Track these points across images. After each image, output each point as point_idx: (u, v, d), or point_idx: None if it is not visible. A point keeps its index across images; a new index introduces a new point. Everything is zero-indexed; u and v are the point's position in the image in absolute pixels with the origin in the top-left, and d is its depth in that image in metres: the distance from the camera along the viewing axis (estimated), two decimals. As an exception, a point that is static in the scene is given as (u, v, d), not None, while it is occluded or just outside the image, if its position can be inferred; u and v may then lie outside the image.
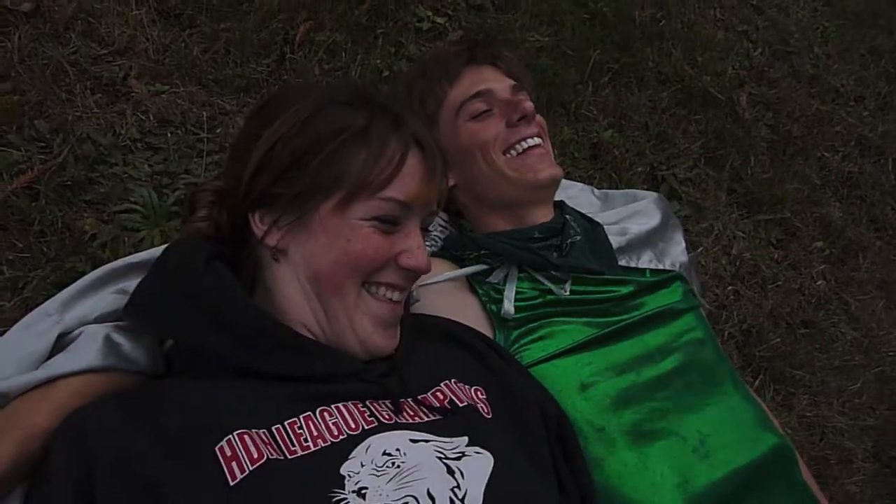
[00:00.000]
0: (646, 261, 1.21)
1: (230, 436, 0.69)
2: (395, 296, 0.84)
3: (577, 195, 1.45)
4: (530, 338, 1.05)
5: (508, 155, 1.14)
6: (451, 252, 1.16)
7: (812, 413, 1.64)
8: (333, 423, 0.73)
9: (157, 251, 0.91)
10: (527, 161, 1.13)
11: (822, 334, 1.80)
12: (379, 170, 0.80)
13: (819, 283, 1.90)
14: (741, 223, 1.87)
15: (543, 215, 1.17)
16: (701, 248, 1.70)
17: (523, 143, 1.14)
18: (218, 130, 1.39)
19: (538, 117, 1.19)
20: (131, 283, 0.89)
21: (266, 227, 0.81)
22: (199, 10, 1.56)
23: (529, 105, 1.14)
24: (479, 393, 0.87)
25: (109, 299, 0.88)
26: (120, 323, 0.84)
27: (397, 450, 0.70)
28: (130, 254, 1.12)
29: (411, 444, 0.72)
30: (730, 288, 1.74)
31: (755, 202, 1.93)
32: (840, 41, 2.54)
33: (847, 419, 1.67)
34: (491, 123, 1.15)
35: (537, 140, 1.15)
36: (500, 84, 1.18)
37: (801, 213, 1.97)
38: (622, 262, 1.19)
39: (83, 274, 1.07)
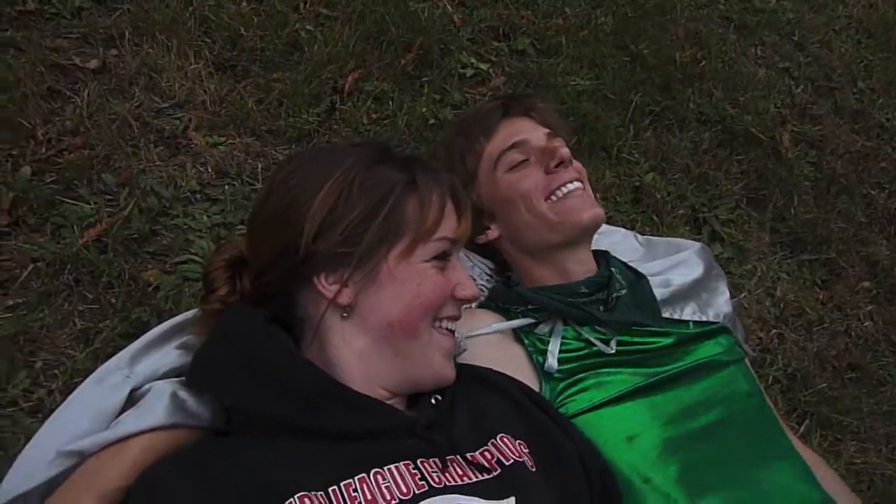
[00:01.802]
0: (689, 313, 1.23)
1: (292, 498, 0.72)
2: (453, 326, 0.92)
3: (621, 241, 1.47)
4: (575, 389, 1.07)
5: (550, 201, 1.17)
6: (497, 303, 1.18)
7: (860, 460, 1.61)
8: (386, 487, 0.76)
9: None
10: (568, 203, 1.16)
11: (870, 378, 1.77)
12: (431, 215, 0.88)
13: (866, 324, 1.88)
14: (785, 264, 1.86)
15: (585, 263, 1.19)
16: (743, 294, 1.69)
17: (563, 188, 1.17)
18: (271, 180, 1.45)
19: (576, 163, 1.22)
20: (192, 338, 0.94)
21: (336, 286, 0.85)
22: (252, 62, 1.63)
23: (565, 151, 1.18)
24: (523, 447, 0.89)
25: (174, 355, 0.93)
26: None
27: None
28: (191, 304, 1.20)
29: None
30: (774, 331, 1.73)
31: (799, 242, 1.92)
32: (884, 74, 2.51)
33: (896, 466, 1.64)
34: (529, 172, 1.19)
35: (577, 184, 1.18)
36: (535, 133, 1.22)
37: (846, 253, 1.95)
38: (666, 314, 1.20)
39: (148, 324, 1.15)
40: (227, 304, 0.90)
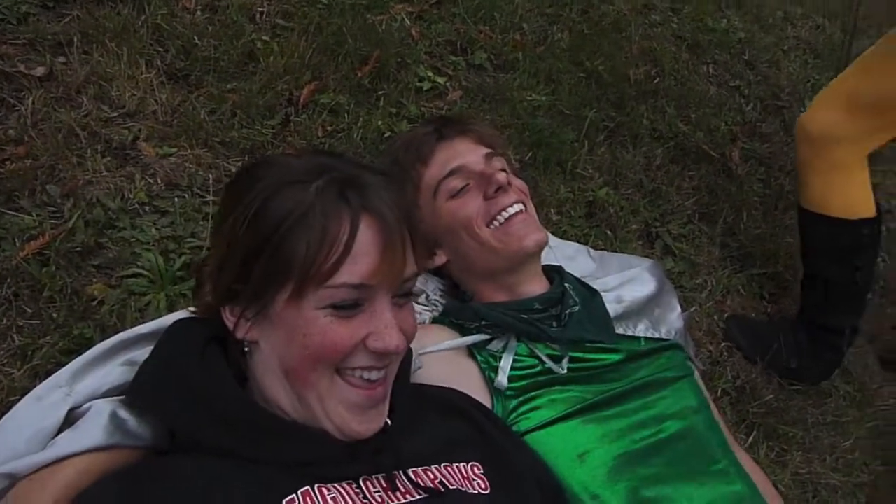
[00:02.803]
0: (642, 329, 1.24)
1: None
2: (373, 375, 0.80)
3: (574, 255, 1.48)
4: (527, 407, 1.08)
5: (492, 227, 1.16)
6: (451, 319, 1.18)
7: (805, 470, 1.65)
8: (332, 499, 0.75)
9: (165, 321, 0.94)
10: (510, 230, 1.15)
11: (815, 389, 1.82)
12: (323, 256, 0.75)
13: (812, 337, 1.93)
14: (734, 278, 1.91)
15: (536, 282, 1.20)
16: (694, 308, 1.73)
17: (504, 213, 1.16)
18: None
19: (517, 181, 1.22)
20: (140, 354, 0.92)
21: (235, 319, 0.81)
22: (206, 72, 1.61)
23: (502, 176, 1.16)
24: (475, 469, 0.89)
25: (118, 372, 0.91)
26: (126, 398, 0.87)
27: None
28: (137, 319, 1.17)
29: None
30: (723, 345, 1.76)
31: (748, 257, 1.96)
32: (830, 94, 2.59)
33: (840, 476, 1.68)
34: (469, 199, 1.18)
35: (518, 207, 1.17)
36: (472, 156, 1.20)
37: (793, 267, 2.01)
38: (619, 331, 1.22)
39: (91, 340, 1.12)
40: (213, 306, 0.86)
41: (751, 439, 1.64)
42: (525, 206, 1.19)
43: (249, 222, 0.77)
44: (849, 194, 1.61)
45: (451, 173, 1.19)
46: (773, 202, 2.11)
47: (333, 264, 0.75)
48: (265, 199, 0.77)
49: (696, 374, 1.29)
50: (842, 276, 1.68)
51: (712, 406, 1.24)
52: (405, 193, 0.99)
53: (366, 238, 0.77)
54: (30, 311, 1.14)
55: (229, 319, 0.82)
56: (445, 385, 1.05)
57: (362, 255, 0.76)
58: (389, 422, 0.85)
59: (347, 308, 0.77)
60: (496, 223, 1.16)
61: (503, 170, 1.21)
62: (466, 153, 1.20)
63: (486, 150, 1.21)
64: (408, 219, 0.81)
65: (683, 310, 1.44)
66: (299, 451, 0.79)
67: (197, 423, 0.80)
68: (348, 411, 0.80)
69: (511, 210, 1.16)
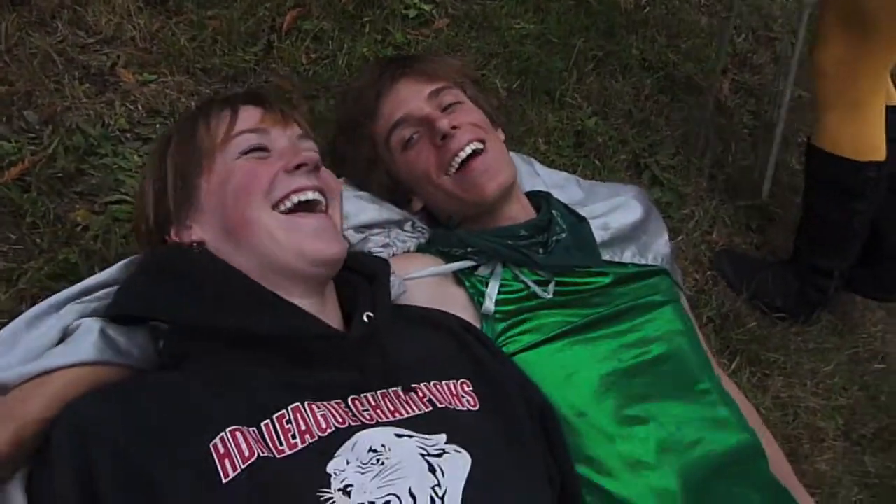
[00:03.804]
0: (629, 256, 1.25)
1: (223, 433, 0.72)
2: (308, 195, 0.88)
3: (563, 184, 1.47)
4: (516, 330, 1.09)
5: (450, 174, 1.13)
6: (437, 248, 1.18)
7: (786, 394, 1.69)
8: (322, 416, 0.76)
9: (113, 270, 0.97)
10: (469, 178, 1.12)
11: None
12: (218, 127, 0.91)
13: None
14: (721, 209, 1.91)
15: (518, 211, 1.18)
16: (681, 237, 1.74)
17: (457, 157, 1.12)
18: (206, 120, 1.40)
19: (470, 115, 1.16)
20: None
21: (178, 231, 0.89)
22: (185, -2, 1.56)
23: (443, 123, 1.11)
24: (465, 386, 0.90)
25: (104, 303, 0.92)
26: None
27: (382, 445, 0.74)
28: (122, 244, 1.17)
29: (396, 439, 0.75)
30: (709, 273, 1.78)
31: (735, 188, 1.97)
32: (823, 26, 2.56)
33: (819, 399, 1.73)
34: (421, 148, 1.15)
35: (472, 147, 1.13)
36: (416, 100, 1.15)
37: (780, 199, 2.02)
38: (606, 257, 1.22)
39: (76, 266, 1.12)
40: None
41: (734, 365, 1.68)
42: (483, 141, 1.14)
43: (159, 152, 0.94)
44: (862, 134, 1.60)
45: (396, 125, 1.15)
46: (762, 134, 2.10)
47: (228, 124, 0.91)
48: (172, 130, 0.98)
49: (683, 300, 1.30)
50: (839, 218, 1.70)
51: (697, 331, 1.26)
52: None
53: (247, 109, 0.94)
54: (13, 236, 1.13)
55: (176, 237, 0.89)
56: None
57: (248, 116, 0.92)
58: (371, 314, 0.86)
59: (257, 150, 0.90)
60: (452, 170, 1.13)
61: (451, 104, 1.16)
62: (410, 98, 1.16)
63: (431, 89, 1.16)
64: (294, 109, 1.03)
65: (670, 239, 1.45)
66: (286, 322, 0.82)
67: (179, 303, 0.83)
68: (302, 236, 0.86)
69: (464, 153, 1.12)
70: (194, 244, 0.88)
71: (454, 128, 1.13)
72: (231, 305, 0.82)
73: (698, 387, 1.11)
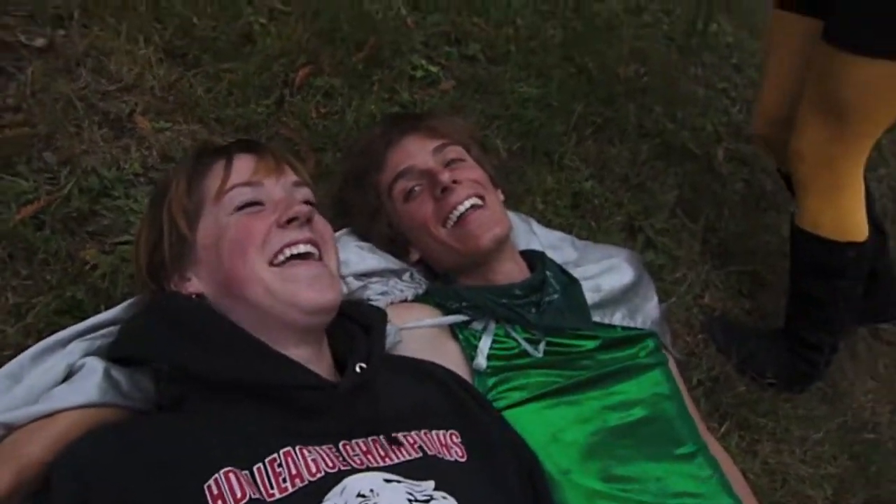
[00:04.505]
0: (618, 318, 1.28)
1: (217, 474, 0.74)
2: (301, 248, 0.90)
3: (558, 244, 1.51)
4: (505, 386, 1.11)
5: (447, 227, 1.18)
6: (434, 300, 1.21)
7: (775, 460, 1.69)
8: (312, 460, 0.78)
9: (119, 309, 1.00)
10: (466, 229, 1.16)
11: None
12: (211, 181, 0.92)
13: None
14: (714, 274, 1.95)
15: (510, 268, 1.22)
16: (673, 299, 1.77)
17: (455, 211, 1.17)
18: (217, 168, 1.46)
19: (471, 173, 1.21)
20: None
21: (174, 282, 0.92)
22: (203, 51, 1.64)
23: (445, 176, 1.15)
24: (453, 437, 0.92)
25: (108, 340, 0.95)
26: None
27: (371, 490, 0.75)
28: (128, 284, 1.20)
29: (385, 483, 0.77)
30: (700, 336, 1.81)
31: (728, 254, 2.01)
32: (815, 101, 2.65)
33: (808, 467, 1.73)
34: (422, 200, 1.19)
35: (470, 202, 1.17)
36: (420, 155, 1.20)
37: (771, 266, 2.06)
38: (596, 318, 1.26)
39: (83, 303, 1.15)
40: None
41: (723, 429, 1.68)
42: (482, 198, 1.18)
43: (156, 201, 0.96)
44: (842, 215, 1.64)
45: (400, 176, 1.20)
46: (753, 202, 2.16)
47: (222, 179, 0.92)
48: (153, 194, 1.01)
49: (671, 363, 1.32)
50: (824, 295, 1.72)
51: (685, 395, 1.28)
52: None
53: (241, 160, 0.95)
54: (24, 272, 1.17)
55: (175, 287, 0.91)
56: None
57: (242, 168, 0.94)
58: (365, 365, 0.88)
59: (251, 205, 0.91)
60: (450, 223, 1.17)
61: (453, 160, 1.21)
62: (415, 152, 1.21)
63: (436, 144, 1.21)
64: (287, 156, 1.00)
65: (662, 301, 1.48)
66: (277, 374, 0.84)
67: (181, 352, 0.85)
68: (297, 287, 0.88)
69: (463, 207, 1.16)
70: (194, 296, 0.91)
71: (455, 182, 1.17)
72: (227, 357, 0.85)
73: (681, 450, 1.13)
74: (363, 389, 0.86)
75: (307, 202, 0.96)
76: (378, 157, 1.24)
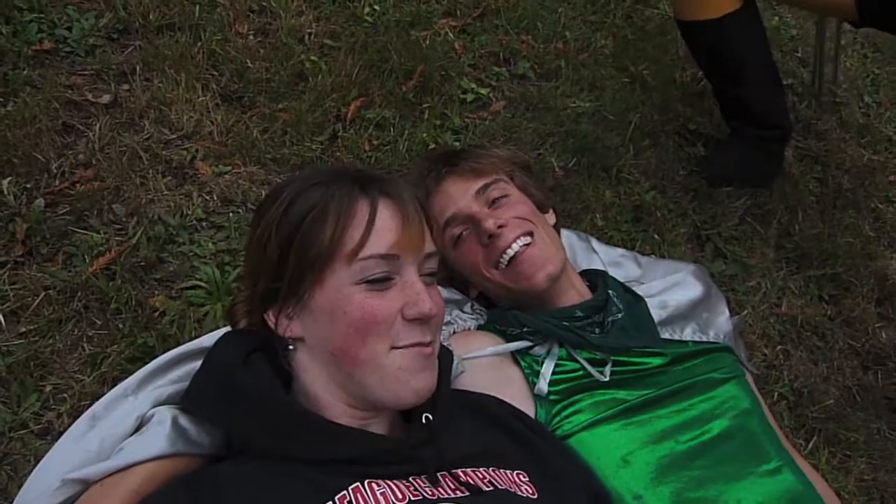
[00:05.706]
0: (689, 333, 1.23)
1: None
2: (426, 344, 0.85)
3: (620, 261, 1.47)
4: (570, 410, 1.08)
5: (499, 269, 1.16)
6: (495, 325, 1.20)
7: (870, 477, 1.59)
8: (381, 493, 0.78)
9: (215, 335, 0.99)
10: (518, 270, 1.14)
11: (881, 394, 1.75)
12: (350, 235, 0.82)
13: (880, 338, 1.86)
14: (790, 280, 1.86)
15: (571, 294, 1.19)
16: (746, 311, 1.69)
17: (504, 255, 1.14)
18: (275, 207, 1.49)
19: (519, 208, 1.18)
20: (195, 366, 0.97)
21: (276, 319, 0.87)
22: (258, 93, 1.69)
23: (489, 224, 1.13)
24: (521, 476, 0.90)
25: (175, 383, 0.97)
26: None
27: None
28: (195, 328, 1.24)
29: None
30: (779, 347, 1.72)
31: (805, 258, 1.91)
32: (892, 88, 2.51)
33: (909, 484, 1.62)
34: (470, 245, 1.17)
35: (520, 243, 1.14)
36: (463, 199, 1.17)
37: (854, 268, 1.95)
38: (665, 335, 1.21)
39: (154, 349, 1.19)
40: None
41: (810, 445, 1.60)
42: (530, 234, 1.16)
43: (278, 224, 0.84)
44: None
45: (447, 224, 1.18)
46: (830, 201, 2.05)
47: (360, 240, 0.82)
48: (290, 202, 0.85)
49: (748, 377, 1.26)
50: (735, 82, 1.81)
51: (766, 409, 1.22)
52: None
53: (385, 215, 0.84)
54: (98, 322, 1.22)
55: (271, 321, 0.87)
56: (489, 391, 1.06)
57: (384, 230, 0.83)
58: (430, 416, 0.86)
59: (379, 282, 0.83)
60: (502, 265, 1.15)
61: (497, 199, 1.19)
62: (458, 197, 1.18)
63: (478, 186, 1.19)
64: (422, 205, 0.90)
65: (736, 313, 1.42)
66: (344, 450, 0.82)
67: (245, 427, 0.84)
68: (405, 371, 0.83)
69: (510, 252, 1.14)
70: (291, 340, 0.87)
71: (500, 227, 1.15)
72: (303, 441, 0.83)
73: (767, 466, 1.06)
74: (429, 440, 0.85)
75: (431, 273, 0.89)
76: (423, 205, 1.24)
